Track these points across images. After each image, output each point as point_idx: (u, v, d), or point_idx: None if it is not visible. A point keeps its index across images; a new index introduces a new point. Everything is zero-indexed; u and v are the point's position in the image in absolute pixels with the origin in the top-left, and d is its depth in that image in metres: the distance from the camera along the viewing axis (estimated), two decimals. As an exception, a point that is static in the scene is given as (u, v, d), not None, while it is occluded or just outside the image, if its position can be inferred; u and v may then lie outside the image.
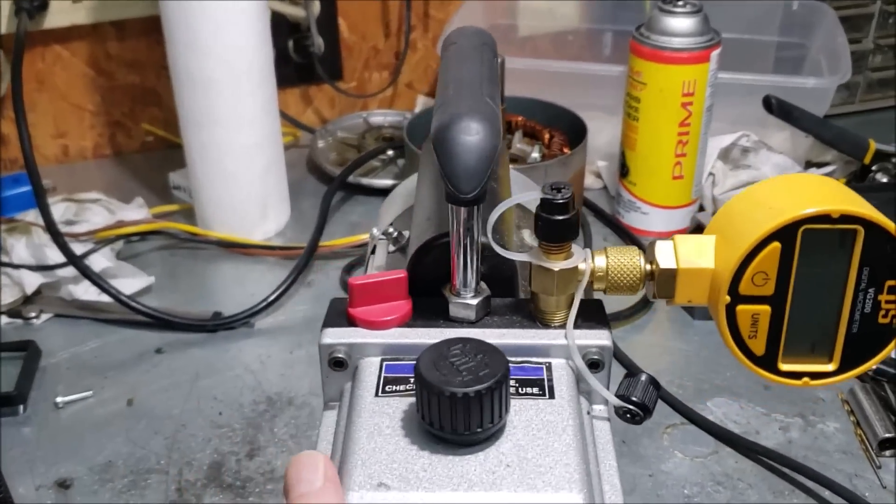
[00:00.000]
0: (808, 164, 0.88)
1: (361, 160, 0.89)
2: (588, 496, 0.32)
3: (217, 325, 0.69)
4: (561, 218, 0.37)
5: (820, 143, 0.86)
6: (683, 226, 0.81)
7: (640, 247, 0.38)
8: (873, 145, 0.82)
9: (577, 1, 1.04)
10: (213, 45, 0.72)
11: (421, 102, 1.05)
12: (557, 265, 0.37)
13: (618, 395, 0.38)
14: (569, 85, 0.90)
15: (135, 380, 0.64)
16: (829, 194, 0.35)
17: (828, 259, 0.36)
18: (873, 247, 0.35)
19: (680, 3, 0.73)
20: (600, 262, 0.38)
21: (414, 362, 0.38)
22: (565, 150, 0.78)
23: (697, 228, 0.79)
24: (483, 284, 0.40)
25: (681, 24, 0.72)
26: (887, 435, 0.57)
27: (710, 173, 0.83)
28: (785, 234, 0.35)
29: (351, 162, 0.88)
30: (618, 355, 0.66)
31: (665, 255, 0.38)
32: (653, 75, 0.74)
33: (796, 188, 0.36)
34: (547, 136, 0.81)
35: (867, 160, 0.82)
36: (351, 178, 0.89)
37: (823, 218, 0.34)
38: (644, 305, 0.71)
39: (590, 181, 0.90)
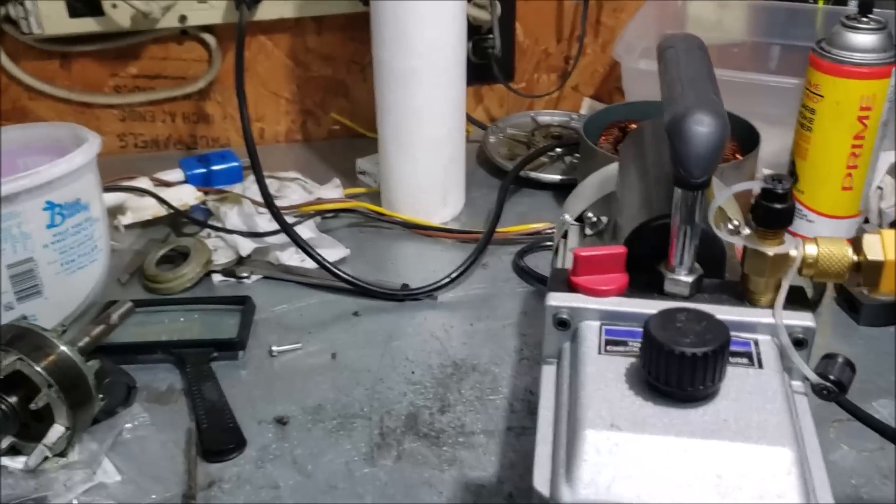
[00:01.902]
0: (980, 185, 0.88)
1: (534, 155, 0.94)
2: (797, 452, 0.37)
3: (406, 295, 0.76)
4: (780, 207, 0.41)
5: None
6: (848, 236, 0.82)
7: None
8: None
9: (745, 13, 1.07)
10: (417, 41, 0.79)
11: (586, 104, 1.10)
12: (771, 250, 0.42)
13: (817, 373, 0.42)
14: (734, 94, 0.93)
15: (335, 337, 0.72)
16: None
17: None
18: None
19: (864, 19, 0.75)
20: (811, 249, 0.42)
21: (632, 328, 0.43)
22: (737, 155, 0.82)
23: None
24: (696, 265, 0.45)
25: (864, 39, 0.75)
26: None
27: (879, 187, 0.84)
28: None
29: (524, 157, 0.94)
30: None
31: (873, 248, 0.42)
32: (830, 88, 0.77)
33: None
34: (718, 141, 0.85)
35: None
36: (521, 172, 0.94)
37: None
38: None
39: (752, 188, 0.93)
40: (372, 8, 0.80)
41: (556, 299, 0.45)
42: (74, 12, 0.92)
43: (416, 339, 0.72)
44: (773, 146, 0.90)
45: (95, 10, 0.91)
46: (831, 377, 0.42)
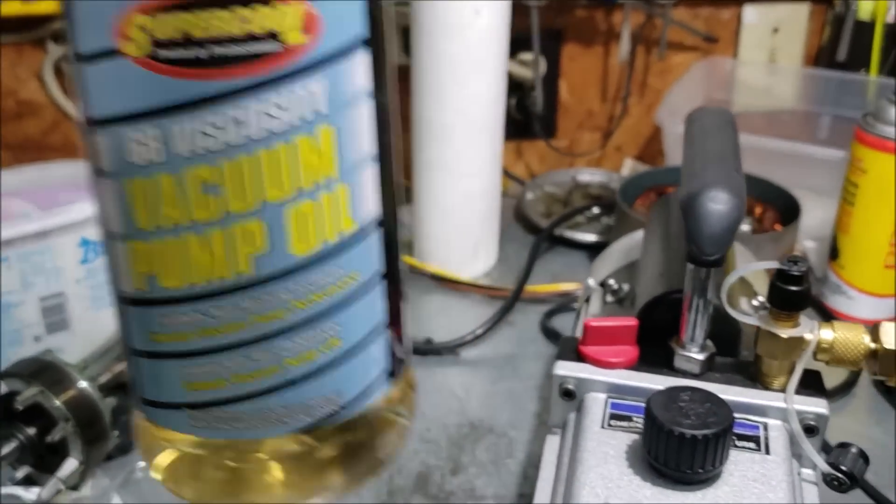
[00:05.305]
0: None
1: (569, 214, 0.94)
2: (798, 547, 0.35)
3: (428, 350, 0.76)
4: (795, 289, 0.40)
5: None
6: (888, 315, 0.80)
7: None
8: None
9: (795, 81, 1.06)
10: (455, 96, 0.79)
11: (628, 165, 1.09)
12: (786, 332, 0.41)
13: (828, 463, 0.40)
14: (781, 163, 0.92)
15: (354, 389, 0.72)
16: None
17: None
18: None
19: (911, 95, 0.74)
20: (826, 334, 0.41)
21: (638, 403, 0.42)
22: (777, 226, 0.80)
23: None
24: (709, 342, 0.43)
25: (910, 115, 0.73)
26: None
27: (924, 266, 0.82)
28: None
29: (560, 215, 0.94)
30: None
31: (890, 336, 0.40)
32: (875, 163, 0.75)
33: None
34: (759, 210, 0.83)
35: None
36: (556, 231, 0.94)
37: None
38: (844, 389, 0.71)
39: (793, 260, 0.91)
40: (413, 62, 0.81)
41: (564, 368, 0.44)
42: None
43: (435, 396, 0.71)
44: (820, 215, 0.88)
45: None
46: (843, 468, 0.40)
